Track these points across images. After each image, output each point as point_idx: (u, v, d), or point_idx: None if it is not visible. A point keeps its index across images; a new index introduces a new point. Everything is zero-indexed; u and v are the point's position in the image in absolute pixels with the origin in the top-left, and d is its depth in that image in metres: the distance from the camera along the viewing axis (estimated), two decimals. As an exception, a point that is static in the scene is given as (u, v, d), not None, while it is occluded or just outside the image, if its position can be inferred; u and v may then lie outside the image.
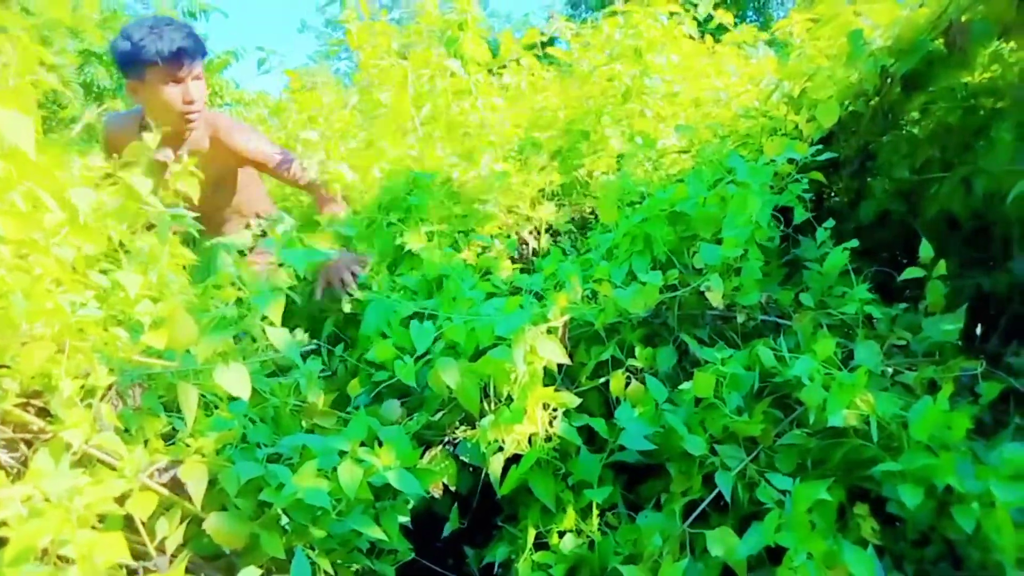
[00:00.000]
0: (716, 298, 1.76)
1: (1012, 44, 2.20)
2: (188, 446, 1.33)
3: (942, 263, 2.05)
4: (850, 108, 2.55)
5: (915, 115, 2.74)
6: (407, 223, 2.40)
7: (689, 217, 2.00)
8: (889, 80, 2.26)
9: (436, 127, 2.97)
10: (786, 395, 1.75)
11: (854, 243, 2.07)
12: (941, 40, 2.11)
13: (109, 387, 1.32)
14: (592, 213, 2.90)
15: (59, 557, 1.03)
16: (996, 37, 2.13)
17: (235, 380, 1.34)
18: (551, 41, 4.24)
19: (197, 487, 1.25)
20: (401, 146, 2.83)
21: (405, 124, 3.04)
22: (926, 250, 2.08)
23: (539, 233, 2.56)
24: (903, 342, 2.00)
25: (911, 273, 2.08)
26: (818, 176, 2.19)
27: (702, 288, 1.80)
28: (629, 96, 2.88)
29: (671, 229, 1.99)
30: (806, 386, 1.56)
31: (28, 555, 1.00)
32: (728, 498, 1.52)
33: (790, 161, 2.13)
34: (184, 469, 1.27)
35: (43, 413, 1.27)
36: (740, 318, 1.90)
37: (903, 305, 2.17)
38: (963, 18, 2.06)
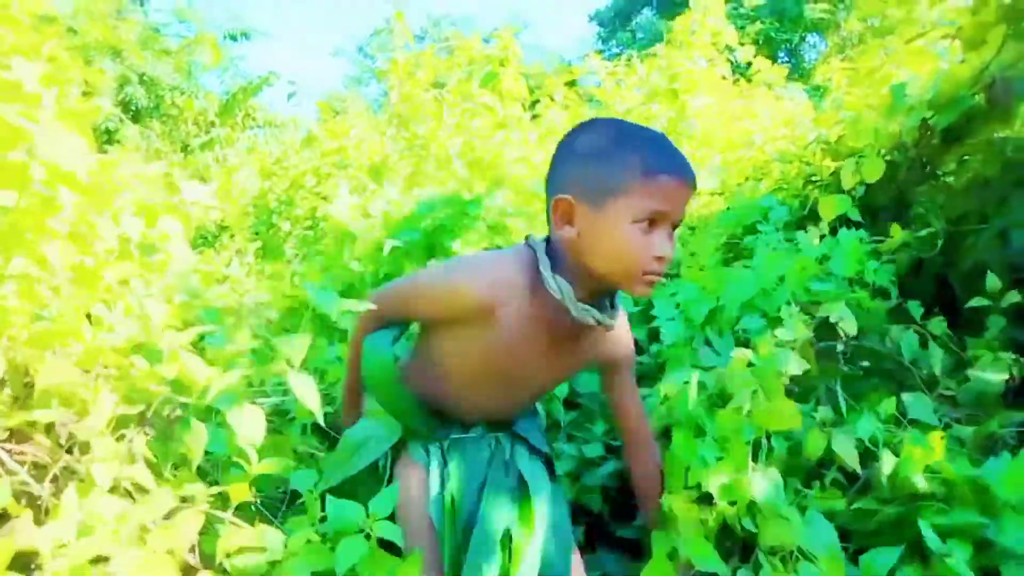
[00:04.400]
0: (851, 328, 1.78)
1: (1054, 101, 2.21)
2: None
3: (1014, 293, 2.03)
4: (887, 158, 2.56)
5: (951, 166, 2.75)
6: (450, 253, 2.47)
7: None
8: (928, 132, 2.28)
9: (474, 160, 3.03)
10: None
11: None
12: (982, 95, 2.13)
13: (142, 416, 1.24)
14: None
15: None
16: (1037, 93, 2.14)
17: (247, 423, 1.15)
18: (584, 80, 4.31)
19: (185, 540, 1.09)
20: (446, 175, 2.90)
21: (440, 155, 3.09)
22: (992, 280, 2.07)
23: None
24: (950, 392, 1.99)
25: (977, 302, 2.08)
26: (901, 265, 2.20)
27: (833, 319, 1.80)
28: (670, 132, 2.92)
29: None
30: (877, 452, 1.54)
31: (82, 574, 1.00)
32: None
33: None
34: (179, 516, 1.11)
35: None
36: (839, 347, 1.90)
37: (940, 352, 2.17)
38: (1007, 74, 2.07)
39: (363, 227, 2.85)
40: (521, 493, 1.44)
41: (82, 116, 1.60)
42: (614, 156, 1.17)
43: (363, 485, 1.41)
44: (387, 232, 2.69)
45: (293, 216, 3.76)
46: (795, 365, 1.58)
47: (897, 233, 2.02)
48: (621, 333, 1.45)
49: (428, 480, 1.39)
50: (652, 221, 1.16)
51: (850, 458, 1.53)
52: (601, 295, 1.31)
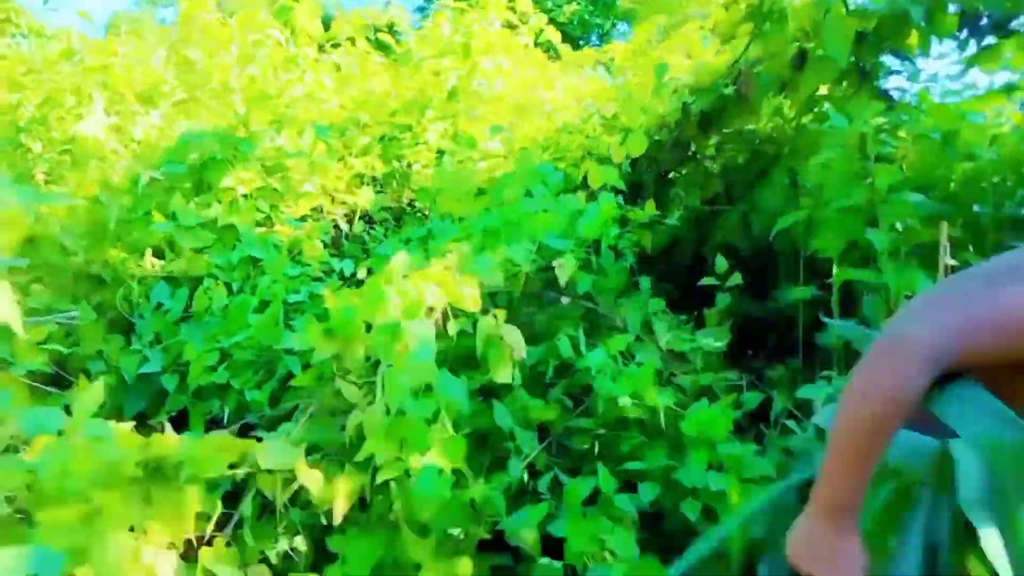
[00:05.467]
0: (564, 275, 1.91)
1: (789, 101, 2.49)
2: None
3: (738, 275, 2.30)
4: (655, 137, 2.76)
5: (711, 152, 3.03)
6: (219, 192, 2.32)
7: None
8: (688, 115, 2.48)
9: (255, 94, 2.85)
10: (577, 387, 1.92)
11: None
12: (733, 86, 2.35)
13: None
14: (411, 204, 2.91)
15: None
16: (777, 91, 2.41)
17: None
18: (391, 28, 4.21)
19: None
20: (223, 108, 2.71)
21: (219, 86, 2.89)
22: (721, 264, 2.32)
23: (353, 218, 2.54)
24: (680, 350, 2.22)
25: (707, 281, 2.33)
26: (645, 237, 2.40)
27: (554, 264, 1.92)
28: (456, 95, 2.93)
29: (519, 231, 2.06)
30: (597, 376, 1.73)
31: None
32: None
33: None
34: None
35: None
36: (565, 299, 2.08)
37: (684, 317, 2.41)
38: (753, 69, 2.30)
39: (120, 153, 2.60)
40: None
41: None
42: None
43: None
44: (147, 162, 2.47)
45: (47, 137, 3.34)
46: (489, 276, 1.74)
47: (651, 208, 2.20)
48: None
49: None
50: None
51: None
52: None
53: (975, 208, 2.15)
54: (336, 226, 2.50)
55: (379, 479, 1.47)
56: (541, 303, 2.18)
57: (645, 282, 2.31)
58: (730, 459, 1.67)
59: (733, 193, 3.00)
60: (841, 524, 0.89)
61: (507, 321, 1.78)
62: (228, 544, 1.35)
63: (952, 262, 2.07)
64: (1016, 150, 2.24)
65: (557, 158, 3.01)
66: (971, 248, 2.11)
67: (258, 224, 2.33)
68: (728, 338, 2.22)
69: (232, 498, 1.45)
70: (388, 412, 1.58)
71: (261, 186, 2.41)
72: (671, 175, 2.94)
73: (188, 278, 2.19)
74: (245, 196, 2.32)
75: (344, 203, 2.63)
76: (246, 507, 1.43)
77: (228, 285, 2.12)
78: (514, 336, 1.77)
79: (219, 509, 1.35)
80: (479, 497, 1.47)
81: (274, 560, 1.38)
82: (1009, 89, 2.14)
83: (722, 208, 2.93)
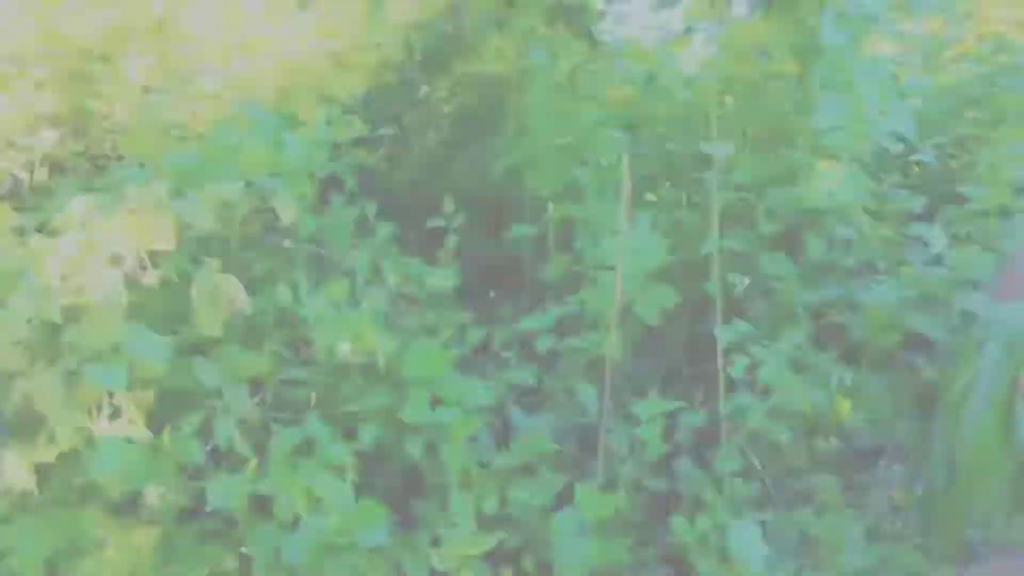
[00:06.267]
0: (286, 215, 1.79)
1: (509, 42, 2.53)
2: None
3: (461, 215, 2.34)
4: (385, 78, 2.69)
5: (443, 95, 3.02)
6: None
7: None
8: (412, 54, 2.43)
9: None
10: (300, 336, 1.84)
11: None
12: (452, 23, 2.34)
13: None
14: (114, 149, 2.59)
15: None
16: (496, 31, 2.43)
17: None
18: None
19: None
20: None
21: None
22: (448, 204, 2.33)
23: (34, 166, 2.20)
24: (410, 292, 2.22)
25: (433, 221, 2.37)
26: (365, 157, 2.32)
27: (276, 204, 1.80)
28: (163, 27, 2.62)
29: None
30: (316, 325, 1.67)
31: None
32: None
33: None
34: None
35: None
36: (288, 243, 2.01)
37: (417, 260, 2.41)
38: (469, 7, 2.31)
39: None
40: None
41: None
42: None
43: None
44: None
45: None
46: (197, 215, 1.61)
47: (356, 123, 2.15)
48: None
49: None
50: None
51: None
52: None
53: (669, 146, 2.35)
54: (14, 176, 2.15)
55: (54, 452, 1.30)
56: (261, 248, 2.06)
57: (383, 228, 2.26)
58: (452, 392, 1.70)
59: (467, 136, 3.03)
60: None
61: (223, 269, 1.66)
62: None
63: (651, 197, 2.26)
64: (706, 93, 2.47)
65: (283, 98, 2.83)
66: (668, 184, 2.32)
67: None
68: (456, 277, 2.25)
69: None
70: (66, 377, 1.40)
71: None
72: (406, 119, 2.90)
73: None
74: None
75: (28, 149, 2.27)
76: None
77: None
78: (234, 287, 1.65)
79: None
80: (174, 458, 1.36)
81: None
82: (688, 32, 2.32)
83: (456, 152, 2.95)
